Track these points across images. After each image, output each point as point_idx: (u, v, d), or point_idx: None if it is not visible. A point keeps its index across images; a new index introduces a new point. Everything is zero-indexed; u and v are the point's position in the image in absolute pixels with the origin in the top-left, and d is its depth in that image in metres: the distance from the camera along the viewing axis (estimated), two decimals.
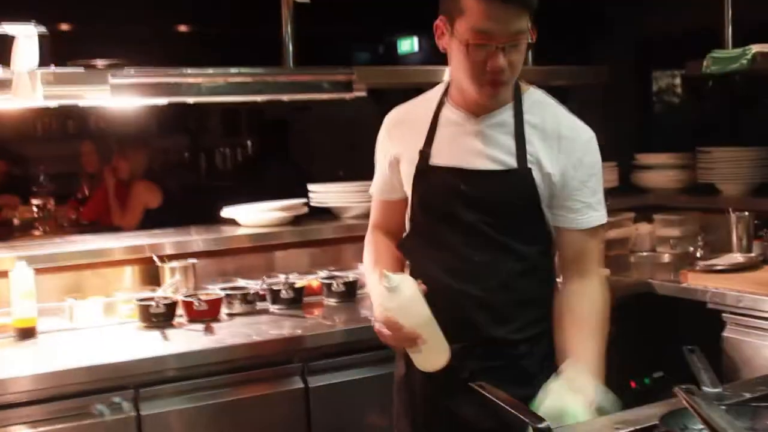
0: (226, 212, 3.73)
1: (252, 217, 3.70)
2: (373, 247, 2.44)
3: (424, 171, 2.25)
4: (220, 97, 3.46)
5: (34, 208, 5.18)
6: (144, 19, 3.47)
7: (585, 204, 2.19)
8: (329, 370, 2.94)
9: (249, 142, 7.66)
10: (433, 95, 2.31)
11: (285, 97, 3.46)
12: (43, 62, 2.97)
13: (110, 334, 3.04)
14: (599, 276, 2.24)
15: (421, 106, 2.33)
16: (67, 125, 7.37)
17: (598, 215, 2.21)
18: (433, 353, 2.12)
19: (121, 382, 2.66)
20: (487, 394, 1.85)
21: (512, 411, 1.75)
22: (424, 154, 2.25)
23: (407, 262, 2.39)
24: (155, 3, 3.52)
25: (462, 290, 2.18)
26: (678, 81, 4.95)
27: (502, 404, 1.79)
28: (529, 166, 2.14)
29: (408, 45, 7.46)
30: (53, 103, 3.14)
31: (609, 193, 2.67)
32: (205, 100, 3.48)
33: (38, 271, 3.08)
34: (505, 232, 2.17)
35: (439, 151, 2.23)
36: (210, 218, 3.84)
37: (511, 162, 2.15)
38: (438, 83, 2.33)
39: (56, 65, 3.02)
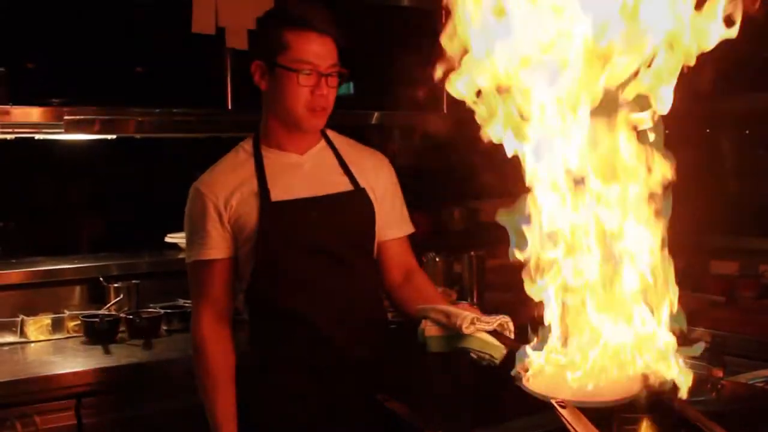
0: (170, 238, 3.67)
1: None
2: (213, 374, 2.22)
3: (271, 209, 2.15)
4: (165, 134, 3.44)
5: None
6: (100, 60, 3.43)
7: (402, 216, 2.34)
8: None
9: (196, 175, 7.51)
10: (240, 150, 2.25)
11: (224, 135, 3.42)
12: (2, 99, 2.95)
13: (57, 348, 2.99)
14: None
15: (229, 163, 2.24)
16: (24, 156, 7.17)
17: (410, 225, 2.37)
18: None
19: (64, 392, 2.61)
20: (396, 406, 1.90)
21: (411, 420, 1.83)
22: (264, 193, 2.16)
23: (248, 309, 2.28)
24: (110, 46, 3.47)
25: (326, 316, 2.16)
26: None
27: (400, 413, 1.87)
28: (362, 186, 2.24)
29: (344, 88, 7.47)
30: (10, 136, 3.12)
31: None
32: (150, 136, 3.44)
33: None
34: (355, 253, 2.22)
35: (278, 189, 2.17)
36: (156, 243, 3.73)
37: (348, 185, 2.23)
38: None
39: (15, 103, 2.98)
